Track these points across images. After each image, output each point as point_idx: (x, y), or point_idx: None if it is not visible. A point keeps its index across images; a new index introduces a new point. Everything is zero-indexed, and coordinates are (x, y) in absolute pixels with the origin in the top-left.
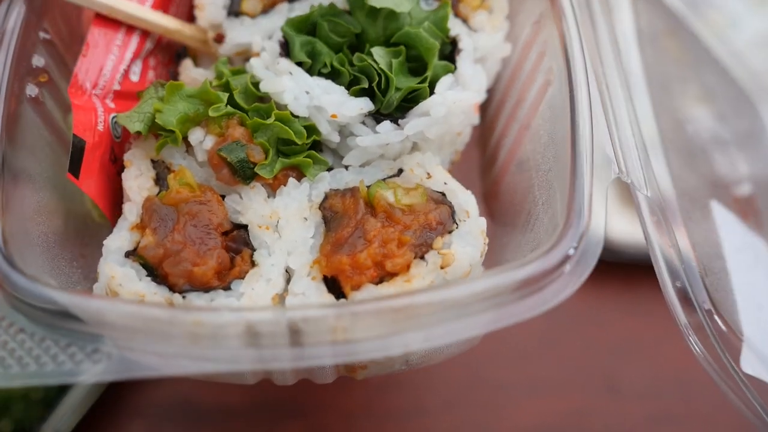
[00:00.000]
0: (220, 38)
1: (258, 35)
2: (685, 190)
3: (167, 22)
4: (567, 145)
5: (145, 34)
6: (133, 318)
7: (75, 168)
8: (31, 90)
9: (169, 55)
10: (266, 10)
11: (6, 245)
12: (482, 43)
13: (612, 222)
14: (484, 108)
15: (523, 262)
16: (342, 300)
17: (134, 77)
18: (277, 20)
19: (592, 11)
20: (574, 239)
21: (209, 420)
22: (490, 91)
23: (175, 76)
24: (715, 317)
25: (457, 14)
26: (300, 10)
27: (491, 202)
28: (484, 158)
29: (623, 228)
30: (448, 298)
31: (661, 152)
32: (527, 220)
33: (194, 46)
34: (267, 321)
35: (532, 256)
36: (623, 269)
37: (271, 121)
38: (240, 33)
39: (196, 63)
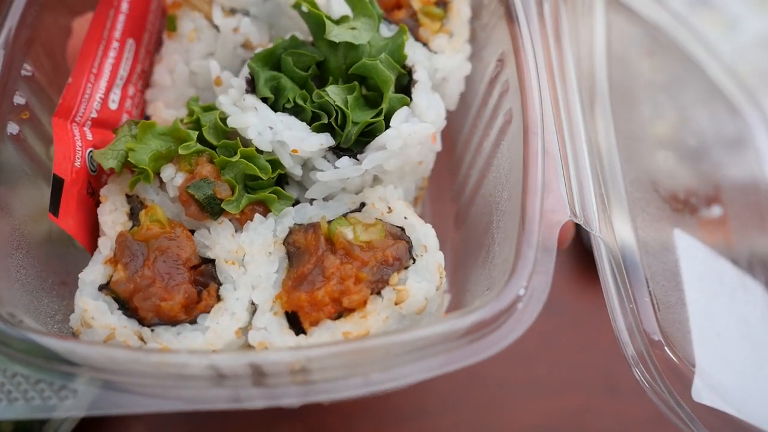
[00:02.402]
0: None
1: None
2: (646, 222)
3: None
4: (520, 188)
5: (117, 63)
6: (102, 358)
7: (55, 207)
8: (12, 128)
9: (144, 81)
10: None
11: None
12: (442, 64)
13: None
14: (455, 133)
15: (473, 308)
16: (301, 338)
17: (113, 105)
18: None
19: (561, 36)
20: (521, 284)
21: (209, 421)
22: (461, 117)
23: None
24: (666, 350)
25: (417, 38)
26: None
27: (461, 226)
28: (455, 183)
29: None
30: (401, 341)
31: (622, 186)
32: (486, 255)
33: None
34: (228, 363)
35: (481, 301)
36: None
37: (236, 158)
38: None
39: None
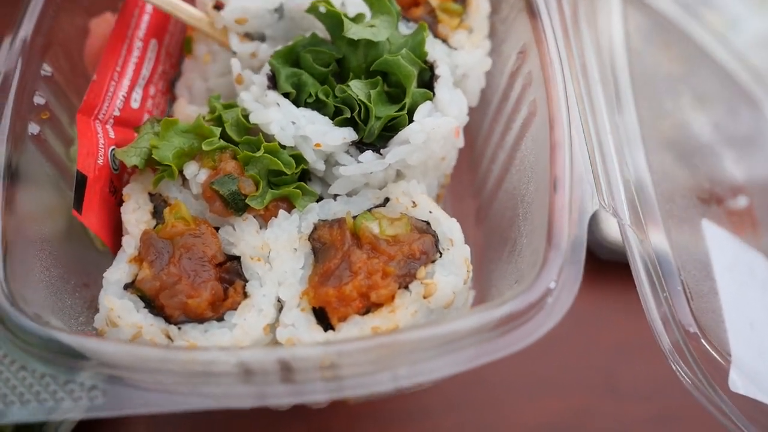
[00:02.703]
0: (220, 5)
1: (257, 3)
2: (673, 212)
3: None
4: (547, 179)
5: (140, 62)
6: (129, 356)
7: (78, 203)
8: (33, 128)
9: (166, 83)
10: None
11: (8, 284)
12: (462, 60)
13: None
14: (476, 130)
15: (503, 299)
16: (329, 333)
17: (135, 104)
18: None
19: (579, 28)
20: (551, 276)
21: (212, 421)
22: (481, 114)
23: (172, 102)
24: (702, 341)
25: (436, 35)
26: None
27: (482, 223)
28: (476, 179)
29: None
30: (431, 336)
31: (649, 176)
32: (512, 249)
33: (198, 27)
34: (257, 359)
35: (511, 294)
36: (623, 269)
37: (260, 153)
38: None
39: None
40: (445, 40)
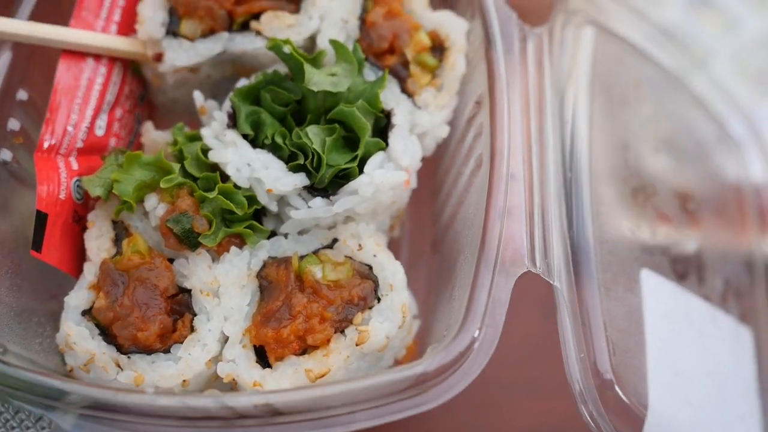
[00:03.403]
0: (158, 57)
1: (195, 59)
2: (612, 265)
3: (115, 44)
4: (478, 236)
5: (104, 89)
6: (79, 395)
7: (38, 243)
8: (5, 154)
9: (133, 100)
10: (205, 35)
11: None
12: (423, 121)
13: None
14: (438, 157)
15: (418, 362)
16: (266, 371)
17: (100, 131)
18: (214, 47)
19: (543, 76)
20: (466, 340)
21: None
22: (443, 143)
23: (141, 119)
24: (616, 388)
25: (404, 89)
26: (240, 43)
27: (437, 252)
28: (435, 207)
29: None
30: (350, 390)
31: (591, 232)
32: (452, 291)
33: (142, 60)
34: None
35: (428, 353)
36: None
37: (214, 195)
38: (178, 55)
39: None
40: (411, 96)
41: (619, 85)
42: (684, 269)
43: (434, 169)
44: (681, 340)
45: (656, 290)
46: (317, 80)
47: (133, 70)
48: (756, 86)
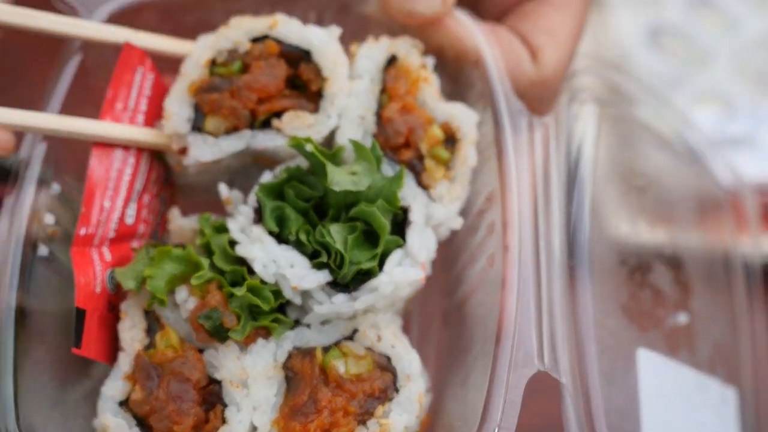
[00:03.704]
0: (183, 151)
1: (219, 155)
2: (612, 350)
3: (143, 136)
4: (492, 335)
5: (134, 178)
6: None
7: (78, 339)
8: (42, 250)
9: (159, 185)
10: (229, 131)
11: (17, 409)
12: (438, 214)
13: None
14: (448, 241)
15: None
16: None
17: (129, 220)
18: (237, 144)
19: (550, 170)
20: None
21: None
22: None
23: (166, 200)
24: None
25: (420, 182)
26: (262, 140)
27: (448, 327)
28: (447, 280)
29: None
30: None
31: (592, 319)
32: (465, 378)
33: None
34: None
35: None
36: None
37: (242, 292)
38: (202, 151)
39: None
40: (427, 188)
41: (626, 164)
42: (676, 342)
43: (444, 243)
44: (673, 415)
45: (651, 369)
46: (339, 180)
47: (157, 158)
48: (756, 86)
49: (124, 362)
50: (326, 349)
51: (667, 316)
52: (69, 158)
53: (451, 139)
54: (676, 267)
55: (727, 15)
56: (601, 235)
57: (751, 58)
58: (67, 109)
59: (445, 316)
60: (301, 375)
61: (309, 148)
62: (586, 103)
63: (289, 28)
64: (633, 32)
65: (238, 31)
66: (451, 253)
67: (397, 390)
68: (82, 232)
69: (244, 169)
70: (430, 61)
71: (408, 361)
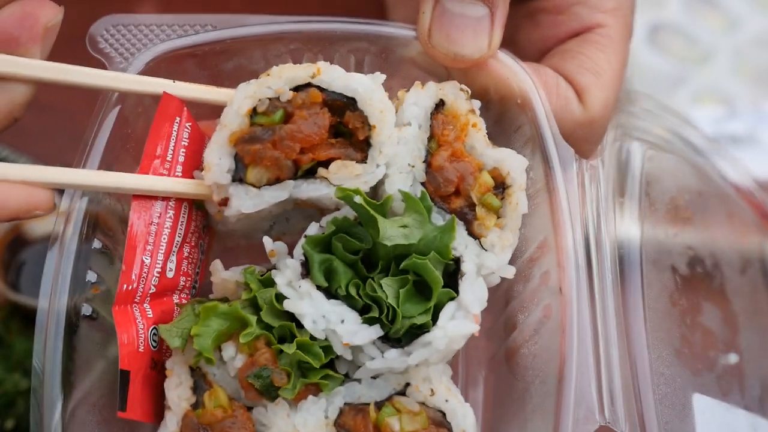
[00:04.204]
0: (224, 202)
1: (261, 206)
2: (668, 397)
3: (183, 187)
4: (553, 390)
5: (173, 231)
6: None
7: (123, 402)
8: (86, 309)
9: (198, 234)
10: (271, 182)
11: None
12: (490, 263)
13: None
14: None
15: None
16: None
17: (170, 273)
18: (280, 195)
19: (600, 221)
20: None
21: None
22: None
23: (204, 248)
24: None
25: (471, 231)
26: (306, 190)
27: (494, 372)
28: (493, 323)
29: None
30: None
31: (648, 369)
32: (519, 429)
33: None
34: None
35: None
36: None
37: (292, 350)
38: (244, 202)
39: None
40: (478, 238)
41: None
42: (728, 384)
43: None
44: None
45: (707, 414)
46: (390, 234)
47: (196, 206)
48: (756, 85)
49: (171, 422)
50: (379, 405)
51: (717, 358)
52: (110, 213)
53: (500, 186)
54: (724, 303)
55: (728, 14)
56: (653, 278)
57: (751, 57)
58: (107, 160)
59: (492, 363)
60: None
61: (358, 199)
62: (633, 138)
63: (333, 76)
64: (633, 30)
65: (280, 80)
66: (498, 296)
67: None
68: (123, 289)
69: (284, 213)
70: (477, 104)
71: (462, 415)
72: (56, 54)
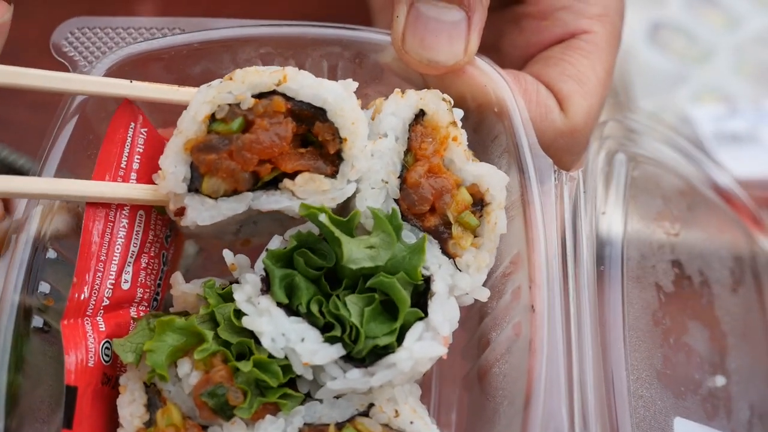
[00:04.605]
0: (180, 212)
1: (218, 218)
2: (647, 420)
3: (140, 193)
4: (520, 413)
5: (128, 241)
6: None
7: (68, 420)
8: (37, 321)
9: (159, 245)
10: (228, 194)
11: None
12: (464, 284)
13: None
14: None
15: None
16: None
17: (125, 285)
18: (237, 207)
19: (578, 222)
20: None
21: None
22: None
23: (168, 259)
24: None
25: (445, 251)
26: (266, 202)
27: (469, 390)
28: (467, 341)
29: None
30: None
31: (625, 383)
32: None
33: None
34: None
35: None
36: None
37: (249, 368)
38: (200, 214)
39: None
40: (452, 258)
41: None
42: (713, 407)
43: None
44: None
45: None
46: (356, 257)
47: (157, 212)
48: (757, 83)
49: None
50: (339, 426)
51: (703, 379)
52: (67, 221)
53: (479, 203)
54: (711, 323)
55: (728, 12)
56: (635, 296)
57: (752, 55)
58: (69, 167)
59: (466, 381)
60: None
61: (323, 218)
62: (615, 154)
63: (301, 83)
64: (634, 29)
65: (242, 85)
66: (472, 312)
67: None
68: (75, 299)
69: (251, 217)
70: (460, 114)
71: None
72: (21, 59)
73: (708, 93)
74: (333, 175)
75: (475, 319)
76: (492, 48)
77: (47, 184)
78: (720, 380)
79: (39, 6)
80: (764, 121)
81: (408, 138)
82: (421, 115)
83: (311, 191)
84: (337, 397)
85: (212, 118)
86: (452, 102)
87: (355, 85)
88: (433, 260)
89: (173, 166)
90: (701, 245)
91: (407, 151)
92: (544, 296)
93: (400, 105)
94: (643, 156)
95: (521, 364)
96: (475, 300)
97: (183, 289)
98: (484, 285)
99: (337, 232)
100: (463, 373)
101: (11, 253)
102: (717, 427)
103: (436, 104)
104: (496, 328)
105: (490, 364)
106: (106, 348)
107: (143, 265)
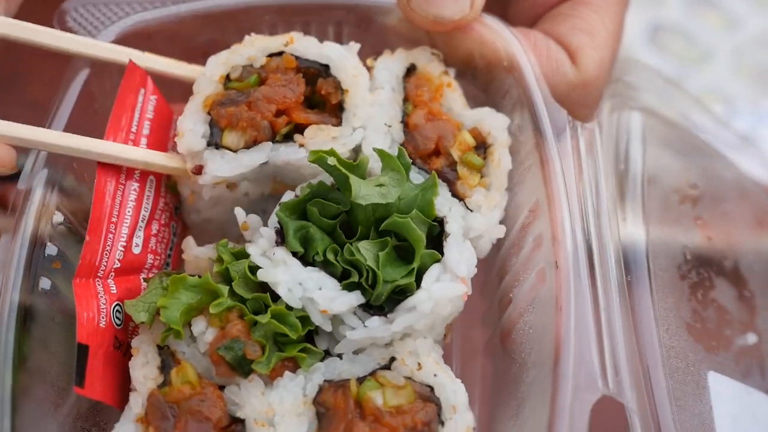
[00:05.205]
0: (198, 170)
1: (239, 170)
2: (679, 371)
3: (152, 158)
4: (550, 360)
5: (139, 204)
6: None
7: (80, 377)
8: (45, 283)
9: (169, 213)
10: (248, 145)
11: None
12: (477, 224)
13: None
14: (489, 258)
15: None
16: None
17: (136, 249)
18: (258, 157)
19: (598, 179)
20: None
21: None
22: (494, 248)
23: (177, 231)
24: None
25: (454, 193)
26: (285, 153)
27: (490, 356)
28: (487, 308)
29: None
30: None
31: (656, 338)
32: (517, 410)
33: (180, 175)
34: None
35: None
36: None
37: (266, 320)
38: (220, 166)
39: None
40: (462, 198)
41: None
42: (747, 365)
43: (483, 267)
44: None
45: (723, 393)
46: (365, 193)
47: (167, 187)
48: (756, 84)
49: (136, 403)
50: (361, 381)
51: (734, 337)
52: (72, 185)
53: (482, 146)
54: (738, 282)
55: (728, 13)
56: (658, 248)
57: (751, 57)
58: (72, 130)
59: (488, 348)
60: (334, 410)
61: (331, 161)
62: (632, 108)
63: (306, 45)
64: (633, 30)
65: (253, 48)
66: (491, 278)
67: (442, 423)
68: (87, 260)
69: (261, 200)
70: (452, 71)
71: (453, 390)
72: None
73: (707, 94)
74: (339, 125)
75: (494, 283)
76: (499, 14)
77: (62, 138)
78: (752, 338)
79: None
80: (763, 122)
81: (404, 88)
82: (413, 69)
83: (321, 141)
84: (357, 353)
85: (227, 79)
86: (442, 55)
87: (357, 46)
88: (444, 203)
89: (192, 125)
90: (723, 205)
91: (405, 100)
92: (569, 251)
93: (391, 61)
94: (656, 114)
95: (548, 316)
96: (495, 260)
97: (195, 252)
98: (503, 239)
99: (345, 171)
100: (485, 340)
101: (18, 213)
102: (751, 385)
103: (426, 58)
104: (519, 283)
105: (514, 320)
106: (117, 311)
107: (154, 231)
